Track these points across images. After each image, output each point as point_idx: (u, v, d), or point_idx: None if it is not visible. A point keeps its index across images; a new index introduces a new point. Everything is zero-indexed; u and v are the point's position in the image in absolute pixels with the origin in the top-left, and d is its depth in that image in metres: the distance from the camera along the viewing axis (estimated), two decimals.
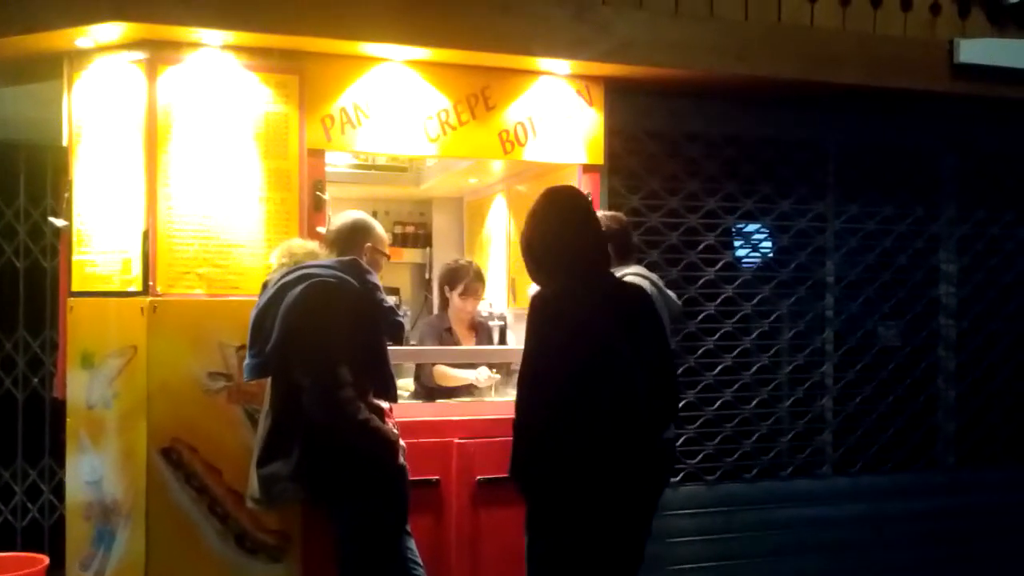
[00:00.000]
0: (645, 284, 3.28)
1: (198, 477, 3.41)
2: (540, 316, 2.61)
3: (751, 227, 4.65)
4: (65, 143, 3.62)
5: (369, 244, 3.31)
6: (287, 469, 3.05)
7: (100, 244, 3.53)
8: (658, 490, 3.17)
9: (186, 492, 3.40)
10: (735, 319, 4.47)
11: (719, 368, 4.42)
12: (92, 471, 3.51)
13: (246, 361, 3.13)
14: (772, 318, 4.56)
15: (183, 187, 3.46)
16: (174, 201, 3.45)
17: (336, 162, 4.79)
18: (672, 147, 4.37)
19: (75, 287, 3.60)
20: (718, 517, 4.34)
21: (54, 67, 3.62)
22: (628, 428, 2.56)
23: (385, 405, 3.24)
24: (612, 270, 2.98)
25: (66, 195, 3.61)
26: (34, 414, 4.55)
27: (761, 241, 4.68)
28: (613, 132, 4.14)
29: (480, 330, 4.74)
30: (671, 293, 3.58)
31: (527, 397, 2.61)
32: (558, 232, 2.67)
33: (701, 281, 4.42)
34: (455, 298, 4.65)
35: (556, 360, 2.56)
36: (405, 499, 3.18)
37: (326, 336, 2.99)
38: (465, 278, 4.63)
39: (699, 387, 4.36)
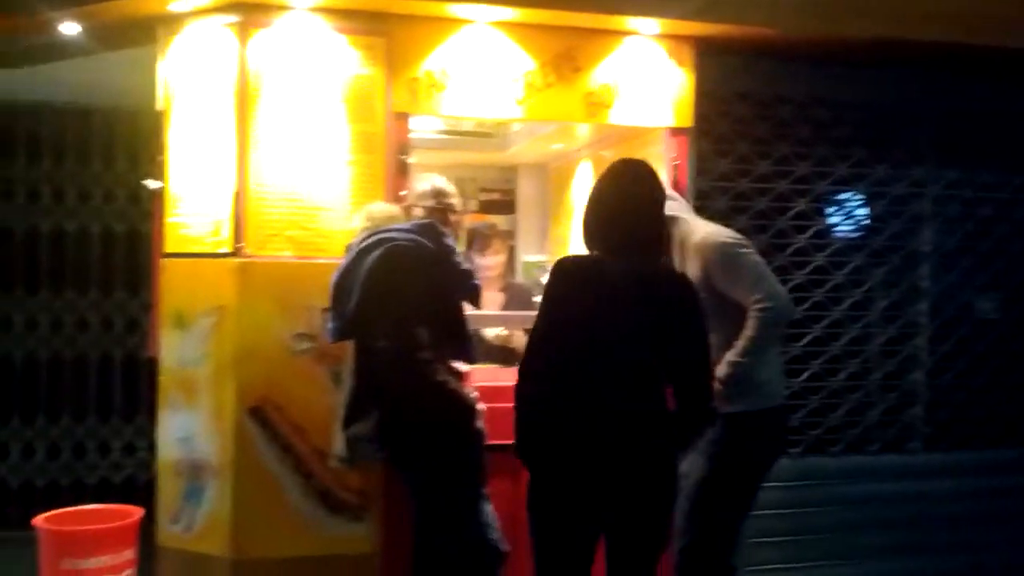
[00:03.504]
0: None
1: (284, 436, 3.47)
2: (553, 283, 2.60)
3: (845, 193, 4.49)
4: (159, 107, 3.69)
5: (446, 207, 3.32)
6: (367, 429, 3.09)
7: (192, 206, 3.59)
8: (752, 463, 3.14)
9: (272, 450, 3.46)
10: (826, 288, 4.34)
11: (807, 339, 4.30)
12: (183, 428, 3.60)
13: (328, 324, 3.16)
14: (865, 288, 4.41)
15: (272, 150, 3.49)
16: (263, 164, 3.48)
17: (422, 127, 4.78)
18: (763, 109, 4.25)
19: (168, 248, 3.67)
20: (801, 491, 4.24)
21: (149, 32, 3.68)
22: (620, 413, 2.51)
23: (464, 368, 3.25)
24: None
25: (160, 158, 3.69)
26: (131, 373, 4.70)
27: (855, 208, 4.52)
28: (702, 94, 4.01)
29: (512, 291, 4.61)
30: None
31: (524, 364, 2.59)
32: (604, 201, 2.64)
33: (791, 249, 4.29)
34: (475, 257, 4.60)
35: (557, 330, 2.55)
36: (482, 463, 3.18)
37: (403, 299, 3.01)
38: (479, 235, 4.61)
39: (786, 358, 4.25)
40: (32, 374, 4.70)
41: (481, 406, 3.18)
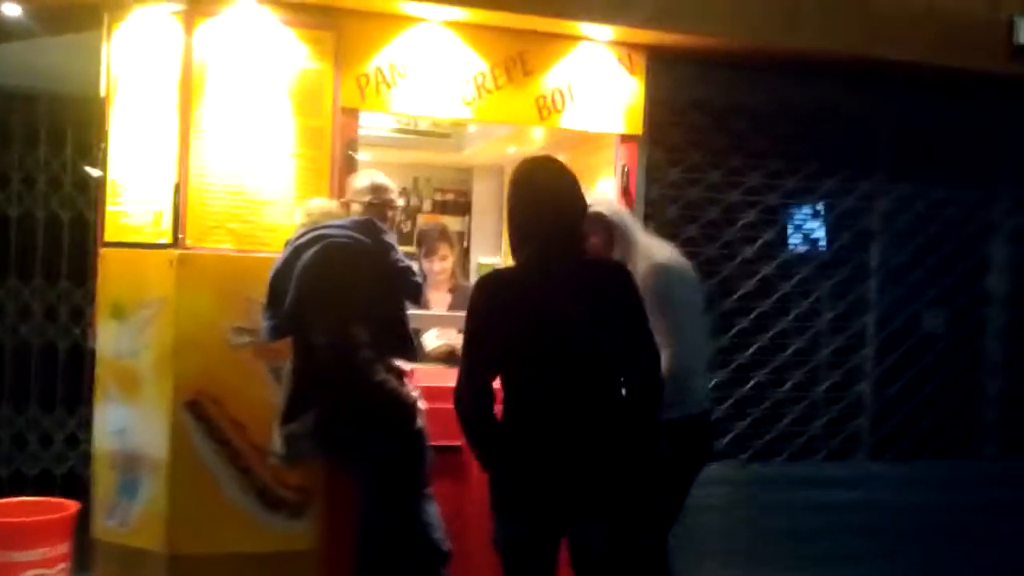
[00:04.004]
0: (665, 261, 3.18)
1: (221, 430, 3.42)
2: (476, 296, 2.59)
3: (796, 205, 4.53)
4: (103, 93, 3.63)
5: (385, 203, 3.29)
6: (306, 427, 3.05)
7: (132, 195, 3.53)
8: (682, 468, 3.14)
9: (209, 445, 3.41)
10: (773, 299, 4.36)
11: (753, 348, 4.32)
12: (118, 421, 3.53)
13: (264, 322, 3.12)
14: (812, 299, 4.44)
15: (216, 141, 3.45)
16: (206, 155, 3.44)
17: (377, 126, 4.78)
18: (716, 119, 4.27)
19: (108, 238, 3.62)
20: (748, 498, 4.26)
21: (95, 16, 3.62)
22: (573, 416, 2.51)
23: (407, 367, 3.23)
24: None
25: (102, 145, 3.63)
26: (75, 364, 4.60)
27: (804, 220, 4.56)
28: (655, 102, 4.03)
29: (460, 292, 4.54)
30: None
31: (459, 376, 2.58)
32: (517, 205, 2.62)
33: (739, 259, 4.31)
34: (423, 260, 4.58)
35: (486, 345, 2.55)
36: (423, 463, 3.16)
37: (340, 296, 2.98)
38: (427, 239, 4.59)
39: (732, 367, 4.27)
40: None
41: (422, 405, 3.16)
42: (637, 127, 3.93)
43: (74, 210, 4.64)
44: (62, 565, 3.50)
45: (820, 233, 4.56)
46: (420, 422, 3.12)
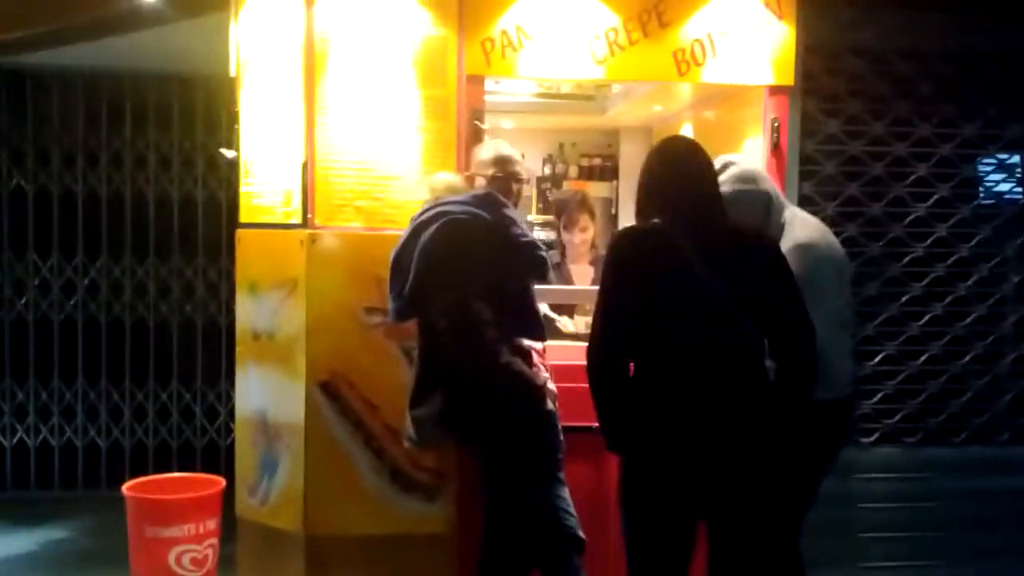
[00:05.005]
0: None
1: (355, 411, 3.38)
2: (616, 250, 2.43)
3: (974, 156, 4.04)
4: (233, 74, 3.62)
5: (509, 175, 3.12)
6: (433, 412, 2.94)
7: (263, 176, 3.52)
8: (814, 453, 2.83)
9: (343, 425, 3.37)
10: (949, 262, 3.92)
11: (927, 318, 3.90)
12: (258, 399, 3.56)
13: (389, 304, 3.03)
14: (994, 262, 3.96)
15: (340, 117, 3.37)
16: (331, 132, 3.37)
17: (518, 91, 4.60)
18: (877, 65, 3.85)
19: (242, 218, 3.63)
20: (917, 483, 3.87)
21: None
22: (720, 384, 2.31)
23: (538, 346, 3.07)
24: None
25: (235, 127, 3.63)
26: (212, 338, 4.72)
27: (985, 173, 4.06)
28: (810, 49, 3.66)
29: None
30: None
31: (599, 342, 2.40)
32: (656, 178, 2.49)
33: (909, 219, 3.89)
34: (562, 232, 4.35)
35: (635, 302, 2.35)
36: (554, 446, 3.00)
37: (460, 276, 2.84)
38: (566, 209, 4.33)
39: (902, 339, 3.87)
40: (118, 337, 4.77)
41: (552, 386, 3.00)
42: (788, 77, 3.57)
43: (207, 190, 4.71)
44: (210, 541, 3.60)
45: (1004, 187, 4.04)
46: (551, 404, 2.95)
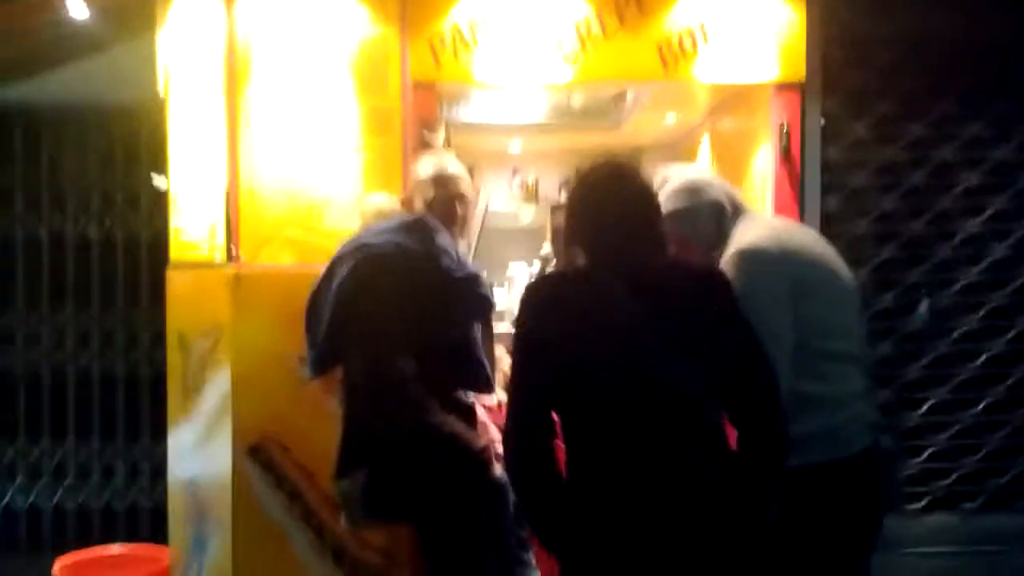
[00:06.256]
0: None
1: (290, 481, 2.88)
2: (529, 304, 1.86)
3: None
4: (160, 95, 3.19)
5: (452, 196, 2.58)
6: (356, 487, 2.41)
7: (190, 208, 3.06)
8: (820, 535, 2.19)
9: (277, 498, 2.88)
10: (1008, 290, 3.26)
11: (984, 358, 3.23)
12: (189, 466, 3.08)
13: (307, 354, 2.52)
14: None
15: (267, 135, 2.90)
16: (257, 152, 2.90)
17: (529, 111, 4.16)
18: (911, 55, 3.24)
19: (172, 257, 3.17)
20: (978, 558, 3.18)
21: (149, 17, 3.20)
22: (668, 468, 1.75)
23: (490, 401, 2.52)
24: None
25: (165, 155, 3.19)
26: (134, 391, 4.23)
27: None
28: (830, 39, 3.10)
29: None
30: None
31: (507, 422, 1.86)
32: (576, 209, 1.96)
33: (958, 238, 3.25)
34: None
35: (545, 371, 1.81)
36: (509, 521, 2.44)
37: (379, 323, 2.31)
38: (560, 237, 3.74)
39: (953, 383, 3.22)
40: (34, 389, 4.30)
41: (498, 449, 2.43)
42: (799, 72, 2.98)
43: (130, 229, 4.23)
44: None
45: None
46: (498, 471, 2.39)
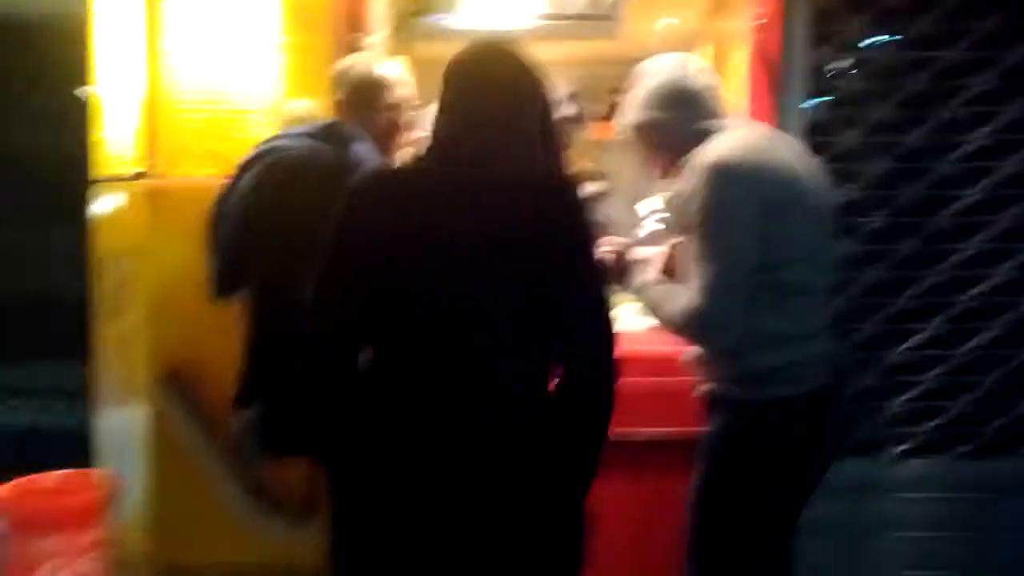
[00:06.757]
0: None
1: (208, 413, 2.67)
2: (353, 198, 1.65)
3: None
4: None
5: (382, 105, 2.32)
6: (247, 421, 2.21)
7: (110, 121, 2.82)
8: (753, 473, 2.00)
9: (195, 431, 2.68)
10: (1015, 209, 2.90)
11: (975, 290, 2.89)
12: (113, 395, 2.89)
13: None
14: None
15: (186, 37, 2.63)
16: (177, 59, 2.64)
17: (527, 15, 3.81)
18: None
19: (95, 172, 2.95)
20: (967, 505, 2.89)
21: None
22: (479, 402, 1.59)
23: None
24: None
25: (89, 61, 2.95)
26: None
27: None
28: None
29: None
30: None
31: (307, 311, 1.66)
32: (447, 93, 1.69)
33: (961, 151, 2.87)
34: None
35: (348, 267, 1.62)
36: None
37: (281, 238, 2.11)
38: None
39: (939, 318, 2.89)
40: None
41: None
42: None
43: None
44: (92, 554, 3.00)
45: None
46: None
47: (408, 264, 1.56)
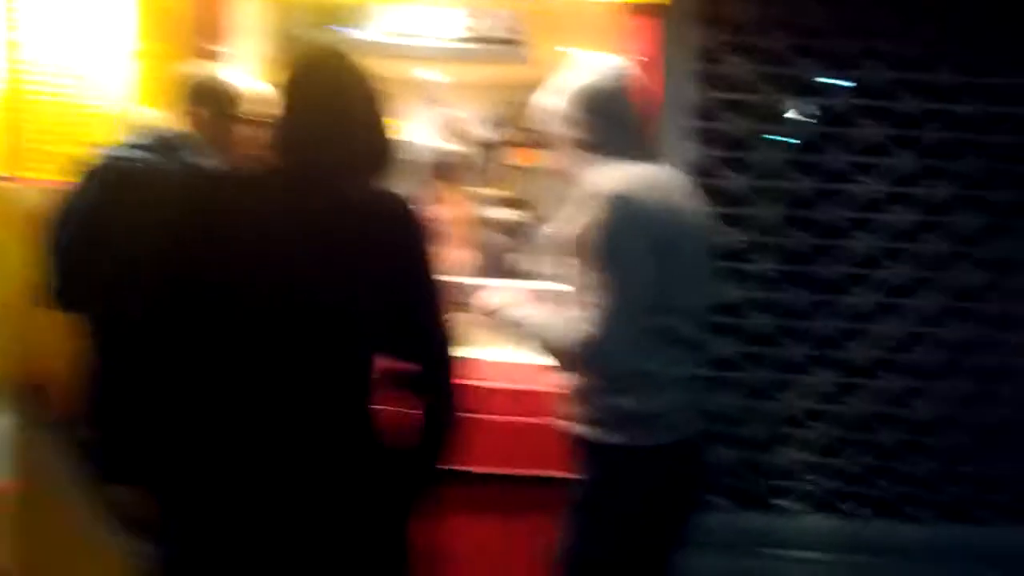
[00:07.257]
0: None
1: (54, 420, 2.56)
2: (181, 203, 1.60)
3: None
4: None
5: (216, 111, 2.27)
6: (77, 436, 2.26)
7: None
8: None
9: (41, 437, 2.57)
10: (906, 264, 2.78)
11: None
12: None
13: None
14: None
15: (38, 29, 2.56)
16: (28, 51, 2.56)
17: (439, 36, 3.88)
18: None
19: None
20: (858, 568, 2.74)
21: None
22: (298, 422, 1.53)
23: None
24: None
25: None
26: None
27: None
28: None
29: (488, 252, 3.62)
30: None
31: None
32: (283, 100, 1.65)
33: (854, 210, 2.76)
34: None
35: (168, 268, 1.57)
36: None
37: (107, 251, 2.11)
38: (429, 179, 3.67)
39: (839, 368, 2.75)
40: None
41: None
42: None
43: None
44: None
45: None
46: None
47: (222, 268, 1.52)
